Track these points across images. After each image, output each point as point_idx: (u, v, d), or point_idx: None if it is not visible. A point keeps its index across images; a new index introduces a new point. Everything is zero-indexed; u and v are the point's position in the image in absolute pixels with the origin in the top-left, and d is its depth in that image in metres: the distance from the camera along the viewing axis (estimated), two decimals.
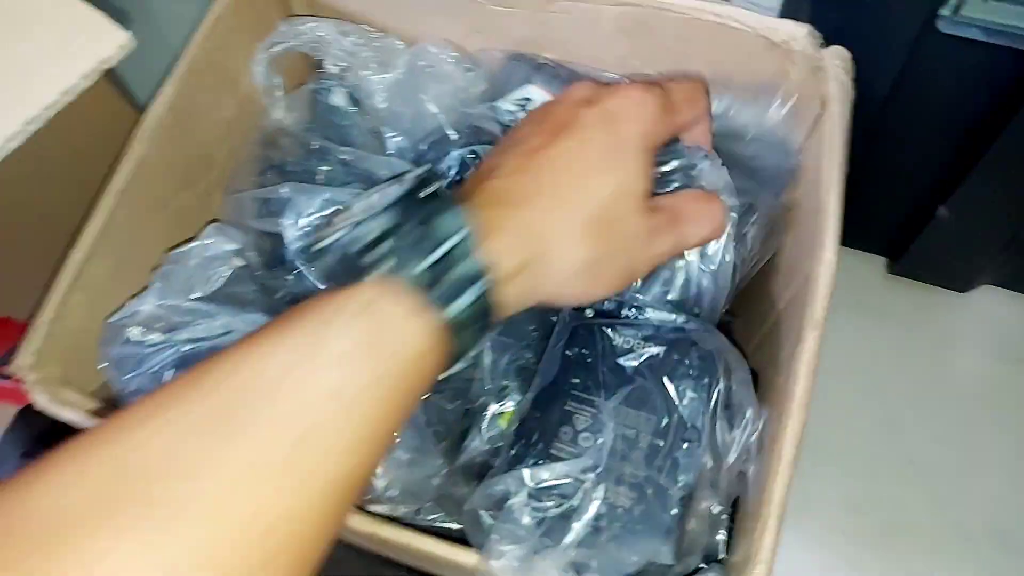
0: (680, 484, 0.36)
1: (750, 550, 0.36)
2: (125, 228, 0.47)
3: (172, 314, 0.42)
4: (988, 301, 0.71)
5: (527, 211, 0.32)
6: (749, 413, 0.38)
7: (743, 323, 0.54)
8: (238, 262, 0.43)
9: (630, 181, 0.35)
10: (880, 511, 0.64)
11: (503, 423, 0.44)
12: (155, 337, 0.42)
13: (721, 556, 0.40)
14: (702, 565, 0.37)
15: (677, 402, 0.38)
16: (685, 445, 0.37)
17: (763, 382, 0.46)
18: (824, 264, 0.41)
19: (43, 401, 0.43)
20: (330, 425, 0.24)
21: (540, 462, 0.38)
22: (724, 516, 0.38)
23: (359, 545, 0.51)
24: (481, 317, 0.30)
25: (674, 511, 0.35)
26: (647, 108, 0.36)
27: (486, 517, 0.37)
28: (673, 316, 0.41)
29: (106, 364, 0.43)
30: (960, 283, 0.70)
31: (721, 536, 0.39)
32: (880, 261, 0.74)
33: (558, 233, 0.33)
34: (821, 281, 0.40)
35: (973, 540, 0.63)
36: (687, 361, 0.39)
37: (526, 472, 0.37)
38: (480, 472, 0.42)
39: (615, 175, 0.34)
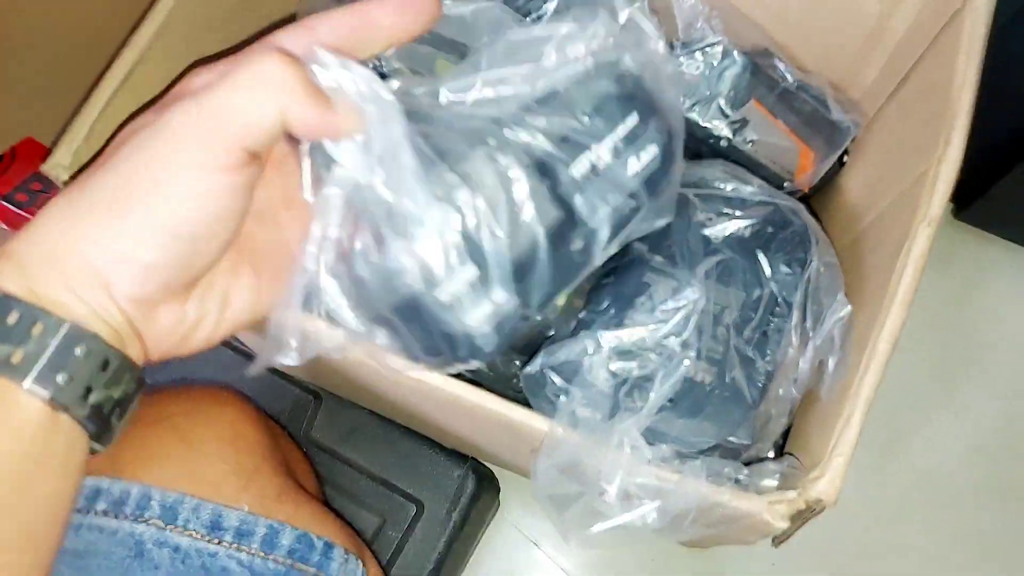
0: (767, 359, 0.33)
1: (828, 442, 0.33)
2: (182, 33, 0.43)
3: None
4: None
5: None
6: (840, 297, 0.35)
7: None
8: None
9: None
10: (919, 456, 0.63)
11: (560, 301, 0.41)
12: None
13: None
14: (770, 455, 0.35)
15: (769, 275, 0.35)
16: (775, 320, 0.34)
17: (846, 290, 0.43)
18: (948, 162, 0.38)
19: None
20: None
21: (612, 328, 0.35)
22: (795, 406, 0.36)
23: (384, 413, 0.49)
24: (118, 378, 0.23)
25: (759, 385, 0.33)
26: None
27: (555, 379, 0.34)
28: (761, 188, 0.37)
29: None
30: None
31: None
32: (947, 206, 0.70)
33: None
34: (942, 178, 0.38)
35: (1012, 494, 0.62)
36: (781, 235, 0.36)
37: (604, 334, 0.34)
38: (524, 349, 0.40)
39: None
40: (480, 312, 0.24)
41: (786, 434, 0.41)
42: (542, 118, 0.25)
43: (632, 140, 0.27)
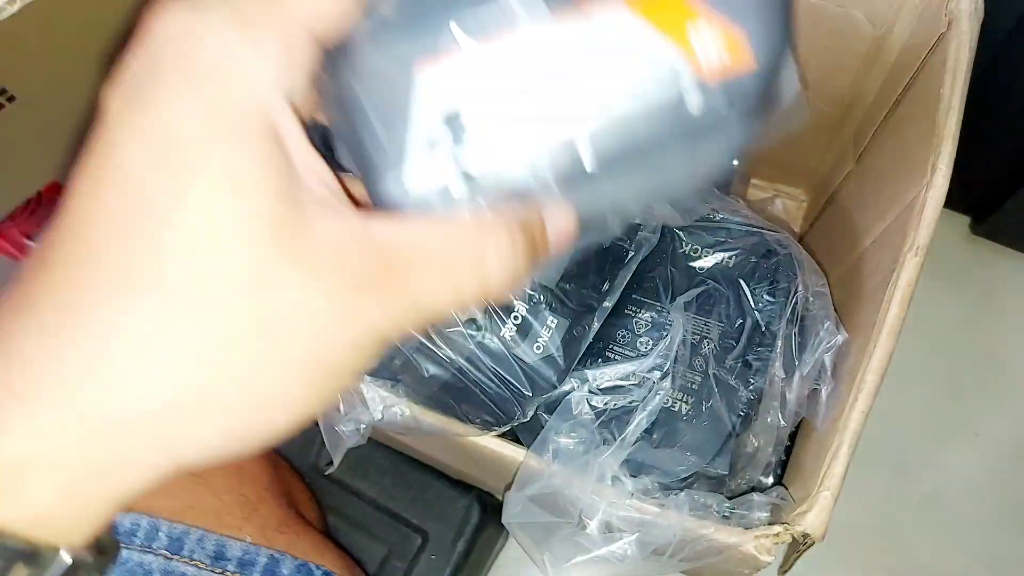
0: (751, 388, 0.33)
1: (817, 475, 0.33)
2: None
3: None
4: None
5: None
6: (827, 326, 0.35)
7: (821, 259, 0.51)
8: None
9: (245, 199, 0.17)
10: (932, 479, 0.62)
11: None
12: None
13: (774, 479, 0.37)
14: (768, 482, 0.35)
15: (752, 305, 0.35)
16: (759, 350, 0.34)
17: (840, 318, 0.43)
18: (935, 188, 0.38)
19: None
20: None
21: (594, 364, 0.36)
22: (787, 435, 0.36)
23: (389, 444, 0.50)
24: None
25: (740, 413, 0.33)
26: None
27: (544, 416, 0.35)
28: (748, 218, 0.38)
29: None
30: None
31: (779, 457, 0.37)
32: (963, 220, 0.69)
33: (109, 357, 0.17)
34: (929, 206, 0.37)
35: (1022, 518, 0.60)
36: (764, 264, 0.36)
37: (587, 372, 0.35)
38: None
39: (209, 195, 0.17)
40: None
41: (784, 464, 0.40)
42: None
43: None
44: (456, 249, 0.19)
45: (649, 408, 0.33)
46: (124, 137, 0.17)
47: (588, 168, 0.20)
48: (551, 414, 0.35)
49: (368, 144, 0.19)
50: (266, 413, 0.18)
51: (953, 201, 0.69)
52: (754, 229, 0.38)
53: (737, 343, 0.34)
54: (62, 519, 0.17)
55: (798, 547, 0.34)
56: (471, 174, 0.19)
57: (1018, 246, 0.67)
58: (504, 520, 0.32)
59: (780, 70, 0.21)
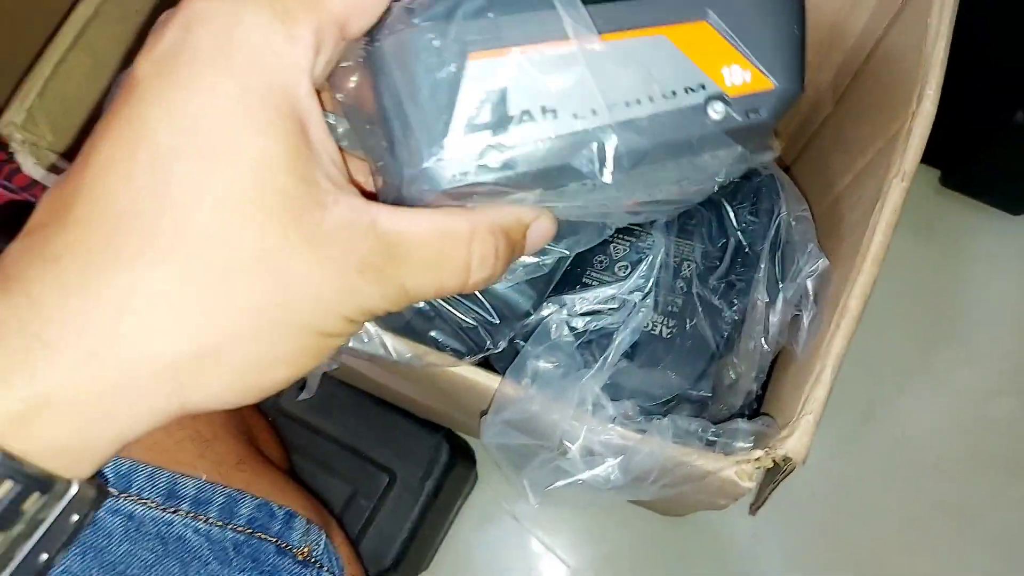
0: (734, 308, 0.32)
1: (798, 400, 0.33)
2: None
3: None
4: None
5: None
6: (810, 249, 0.34)
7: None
8: None
9: (268, 161, 0.19)
10: (897, 424, 0.62)
11: None
12: None
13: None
14: (742, 410, 0.34)
15: (735, 225, 0.34)
16: (742, 270, 0.33)
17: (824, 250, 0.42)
18: (922, 116, 0.37)
19: (29, 166, 0.38)
20: None
21: (571, 290, 0.35)
22: (768, 363, 0.35)
23: (355, 384, 0.48)
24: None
25: (724, 334, 0.32)
26: None
27: (521, 343, 0.34)
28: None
29: None
30: (1016, 204, 0.66)
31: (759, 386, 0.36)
32: (933, 173, 0.69)
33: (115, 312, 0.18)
34: (916, 133, 0.37)
35: (988, 463, 0.61)
36: (747, 184, 0.35)
37: (566, 297, 0.34)
38: None
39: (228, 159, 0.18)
40: None
41: (761, 397, 0.40)
42: None
43: None
44: (446, 252, 0.21)
45: (631, 327, 0.31)
46: (156, 112, 0.18)
47: (611, 174, 0.22)
48: (527, 340, 0.34)
49: (403, 127, 0.20)
50: (268, 371, 0.20)
51: (926, 151, 0.69)
52: None
53: (720, 263, 0.33)
54: (75, 454, 0.19)
55: (775, 476, 0.34)
56: (507, 162, 0.21)
57: (988, 199, 0.67)
58: (483, 441, 0.31)
59: (795, 95, 0.25)
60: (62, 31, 0.40)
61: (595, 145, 0.22)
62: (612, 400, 0.31)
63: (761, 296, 0.33)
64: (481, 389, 0.33)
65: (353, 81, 0.22)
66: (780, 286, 0.34)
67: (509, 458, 0.31)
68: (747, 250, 0.33)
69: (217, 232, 0.18)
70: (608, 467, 0.30)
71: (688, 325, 0.33)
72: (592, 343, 0.32)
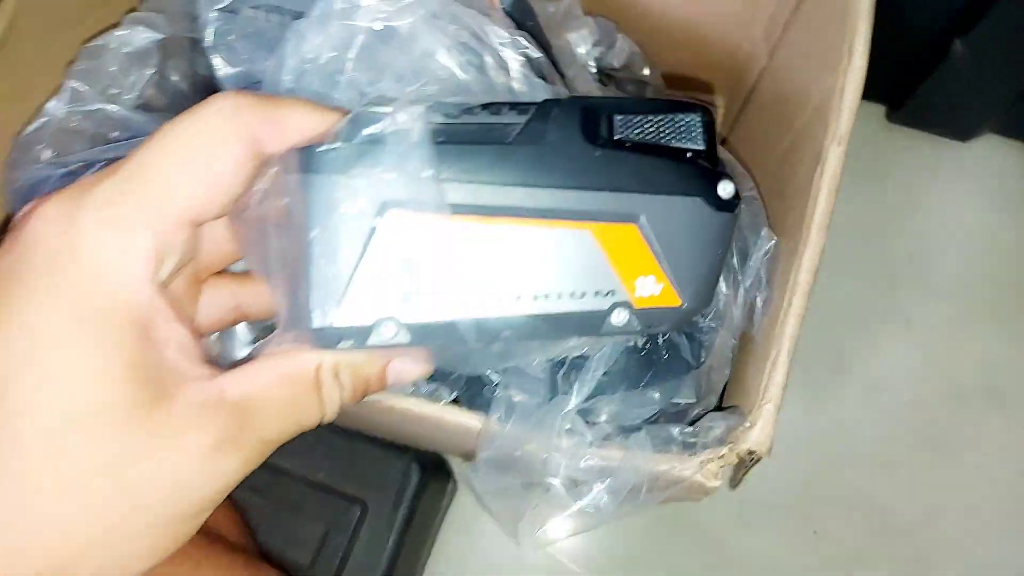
0: (713, 315, 0.31)
1: (758, 386, 0.32)
2: (28, 45, 0.39)
3: (90, 124, 0.35)
4: (989, 151, 0.67)
5: None
6: (764, 232, 0.33)
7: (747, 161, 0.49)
8: (164, 56, 0.36)
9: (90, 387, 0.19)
10: (872, 371, 0.62)
11: None
12: (72, 155, 0.35)
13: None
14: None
15: None
16: None
17: (771, 219, 0.41)
18: (853, 71, 0.35)
19: None
20: None
21: None
22: (733, 353, 0.34)
23: (342, 424, 0.46)
24: None
25: (699, 341, 0.31)
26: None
27: (492, 376, 0.32)
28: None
29: (14, 190, 0.37)
30: (964, 131, 0.65)
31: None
32: (879, 111, 0.68)
33: None
34: (848, 90, 0.35)
35: (966, 397, 0.61)
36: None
37: None
38: None
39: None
40: None
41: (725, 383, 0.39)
42: None
43: None
44: (296, 397, 0.22)
45: (605, 351, 0.30)
46: None
47: (502, 343, 0.22)
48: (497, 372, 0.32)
49: (306, 275, 0.20)
50: (132, 563, 0.20)
51: (867, 90, 0.68)
52: None
53: None
54: None
55: (744, 467, 0.33)
56: (397, 334, 0.21)
57: (937, 129, 0.66)
58: (476, 497, 0.30)
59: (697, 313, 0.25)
60: None
61: (491, 330, 0.22)
62: (593, 424, 0.30)
63: (722, 289, 0.32)
64: (454, 428, 0.32)
65: (261, 198, 0.21)
66: (740, 276, 0.33)
67: (500, 505, 0.30)
68: None
69: (56, 449, 0.18)
70: (596, 494, 0.29)
71: (661, 338, 0.31)
72: (571, 370, 0.30)
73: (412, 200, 0.20)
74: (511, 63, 0.34)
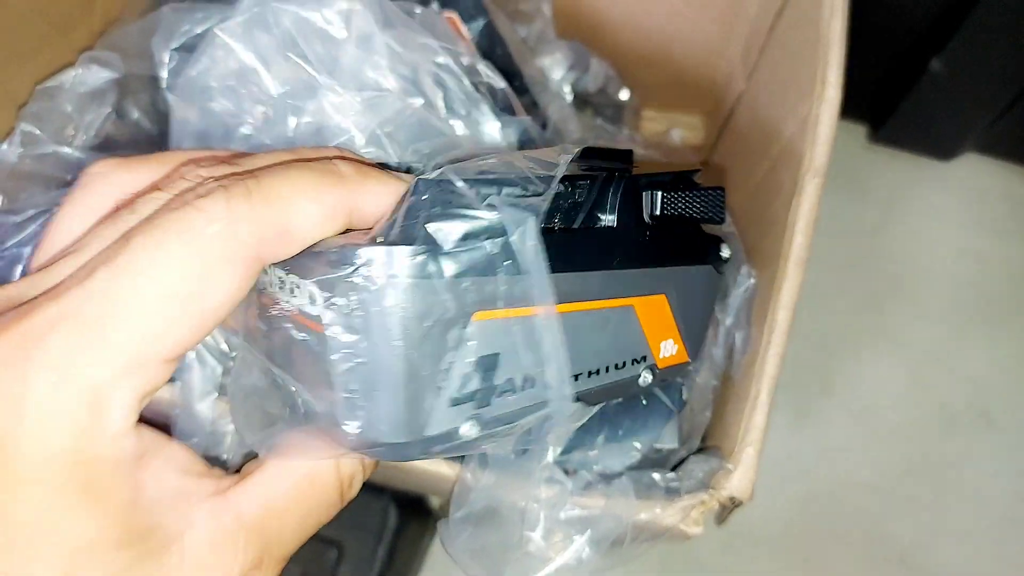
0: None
1: (738, 427, 0.31)
2: None
3: (45, 166, 0.34)
4: (971, 170, 0.66)
5: None
6: (744, 270, 0.32)
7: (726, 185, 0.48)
8: (123, 94, 0.35)
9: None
10: (858, 393, 0.61)
11: None
12: (24, 201, 0.34)
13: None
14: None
15: None
16: None
17: (746, 248, 0.40)
18: (827, 102, 0.35)
19: None
20: None
21: None
22: (715, 393, 0.33)
23: None
24: None
25: (678, 384, 0.30)
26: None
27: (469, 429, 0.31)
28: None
29: None
30: (946, 150, 0.65)
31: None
32: (860, 131, 0.68)
33: None
34: (823, 121, 0.34)
35: (955, 419, 0.60)
36: None
37: None
38: None
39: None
40: None
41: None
42: None
43: None
44: (318, 492, 0.20)
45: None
46: None
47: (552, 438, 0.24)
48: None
49: (390, 387, 0.18)
50: None
51: (847, 110, 0.68)
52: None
53: None
54: None
55: (726, 511, 0.32)
56: (479, 436, 0.20)
57: (918, 149, 0.66)
58: (448, 551, 0.28)
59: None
60: None
61: (547, 414, 0.21)
62: (572, 472, 0.29)
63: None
64: (430, 476, 0.31)
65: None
66: (720, 316, 0.32)
67: (477, 564, 0.29)
68: None
69: None
70: (578, 546, 0.28)
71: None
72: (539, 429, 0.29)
73: (516, 298, 0.19)
74: (479, 96, 0.33)
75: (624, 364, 0.23)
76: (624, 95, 0.58)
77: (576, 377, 0.22)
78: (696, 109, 0.63)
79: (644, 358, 0.24)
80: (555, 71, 0.54)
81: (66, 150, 0.34)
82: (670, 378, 0.26)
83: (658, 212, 0.23)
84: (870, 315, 0.63)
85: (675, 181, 0.24)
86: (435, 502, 0.53)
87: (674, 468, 0.32)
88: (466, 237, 0.18)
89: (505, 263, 0.19)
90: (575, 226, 0.22)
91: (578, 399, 0.22)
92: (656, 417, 0.30)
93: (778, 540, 0.58)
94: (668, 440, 0.31)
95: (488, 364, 0.19)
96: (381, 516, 0.44)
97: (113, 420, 0.17)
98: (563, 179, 0.21)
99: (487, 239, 0.18)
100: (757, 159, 0.44)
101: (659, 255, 0.24)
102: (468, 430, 0.19)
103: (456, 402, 0.19)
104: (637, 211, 0.23)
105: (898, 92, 0.61)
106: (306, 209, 0.18)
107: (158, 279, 0.16)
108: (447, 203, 0.18)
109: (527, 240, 0.19)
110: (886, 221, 0.65)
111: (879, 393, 0.61)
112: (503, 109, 0.34)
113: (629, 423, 0.30)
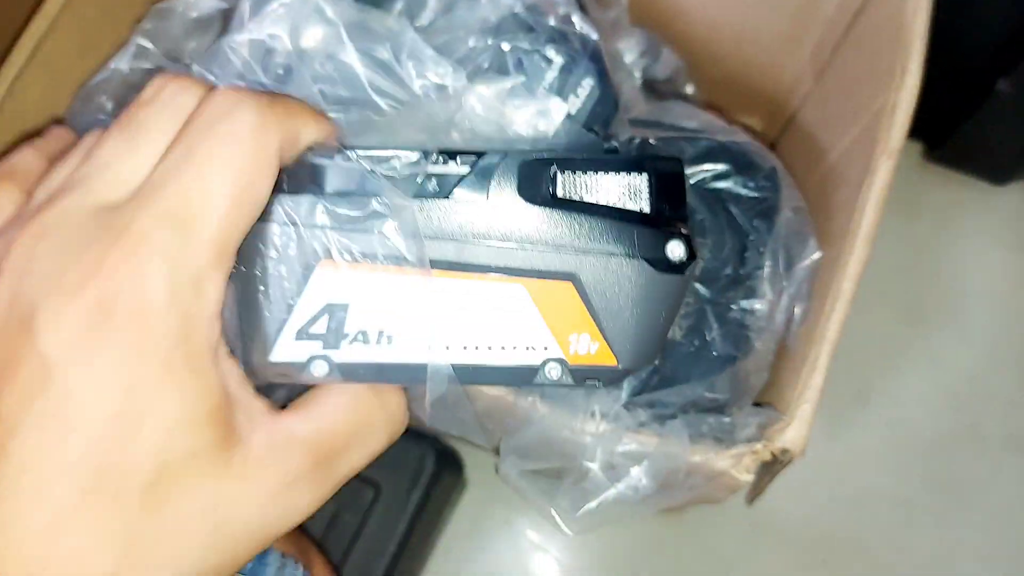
0: (746, 311, 0.31)
1: (794, 388, 0.31)
2: (94, 2, 0.40)
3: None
4: (1022, 197, 0.67)
5: None
6: (811, 242, 0.33)
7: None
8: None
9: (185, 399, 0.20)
10: (892, 405, 0.61)
11: None
12: None
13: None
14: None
15: (739, 223, 0.32)
16: (750, 270, 0.32)
17: None
18: (906, 89, 0.35)
19: None
20: None
21: None
22: (773, 357, 0.34)
23: None
24: None
25: (736, 337, 0.31)
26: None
27: (318, 367, 0.32)
28: (727, 129, 0.35)
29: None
30: (1000, 175, 0.65)
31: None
32: (916, 147, 0.68)
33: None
34: (901, 108, 0.35)
35: (986, 441, 0.60)
36: (749, 180, 0.33)
37: None
38: None
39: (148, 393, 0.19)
40: None
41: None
42: None
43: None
44: (369, 418, 0.23)
45: None
46: (83, 388, 0.19)
47: (430, 402, 0.23)
48: None
49: (253, 315, 0.22)
50: None
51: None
52: (735, 140, 0.35)
53: (727, 265, 0.32)
54: None
55: (773, 467, 0.32)
56: (328, 374, 0.23)
57: (973, 172, 0.66)
58: (500, 474, 0.30)
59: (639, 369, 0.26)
60: (16, 48, 0.39)
61: (418, 375, 0.23)
62: (628, 410, 0.30)
63: (767, 295, 0.32)
64: (485, 399, 0.32)
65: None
66: (785, 283, 0.33)
67: (532, 488, 0.30)
68: (752, 250, 0.32)
69: (158, 503, 0.19)
70: (635, 476, 0.29)
71: (702, 329, 0.31)
72: None
73: (357, 253, 0.22)
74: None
75: (515, 348, 0.23)
76: (690, 89, 0.59)
77: (448, 348, 0.23)
78: (756, 110, 0.64)
79: (545, 347, 0.24)
80: (627, 56, 0.55)
81: (175, 66, 0.36)
82: (597, 381, 0.24)
83: (553, 193, 0.23)
84: (911, 329, 0.63)
85: (590, 162, 0.24)
86: (469, 459, 0.54)
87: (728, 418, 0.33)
88: (343, 194, 0.22)
89: (370, 220, 0.22)
90: (447, 195, 0.23)
91: (453, 371, 0.23)
92: (714, 365, 0.31)
93: (798, 539, 0.58)
94: (721, 389, 0.32)
95: (337, 311, 0.22)
96: (419, 461, 0.45)
97: (210, 302, 0.20)
98: (453, 154, 0.23)
99: (360, 196, 0.22)
100: (824, 151, 0.45)
101: (555, 238, 0.23)
102: (318, 368, 0.22)
103: (301, 335, 0.22)
104: (529, 190, 0.23)
105: (961, 112, 0.61)
106: (307, 123, 0.22)
107: (229, 180, 0.20)
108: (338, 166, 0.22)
109: (394, 198, 0.22)
110: (935, 239, 0.66)
111: (913, 407, 0.61)
112: (591, 59, 0.35)
113: (686, 369, 0.31)
